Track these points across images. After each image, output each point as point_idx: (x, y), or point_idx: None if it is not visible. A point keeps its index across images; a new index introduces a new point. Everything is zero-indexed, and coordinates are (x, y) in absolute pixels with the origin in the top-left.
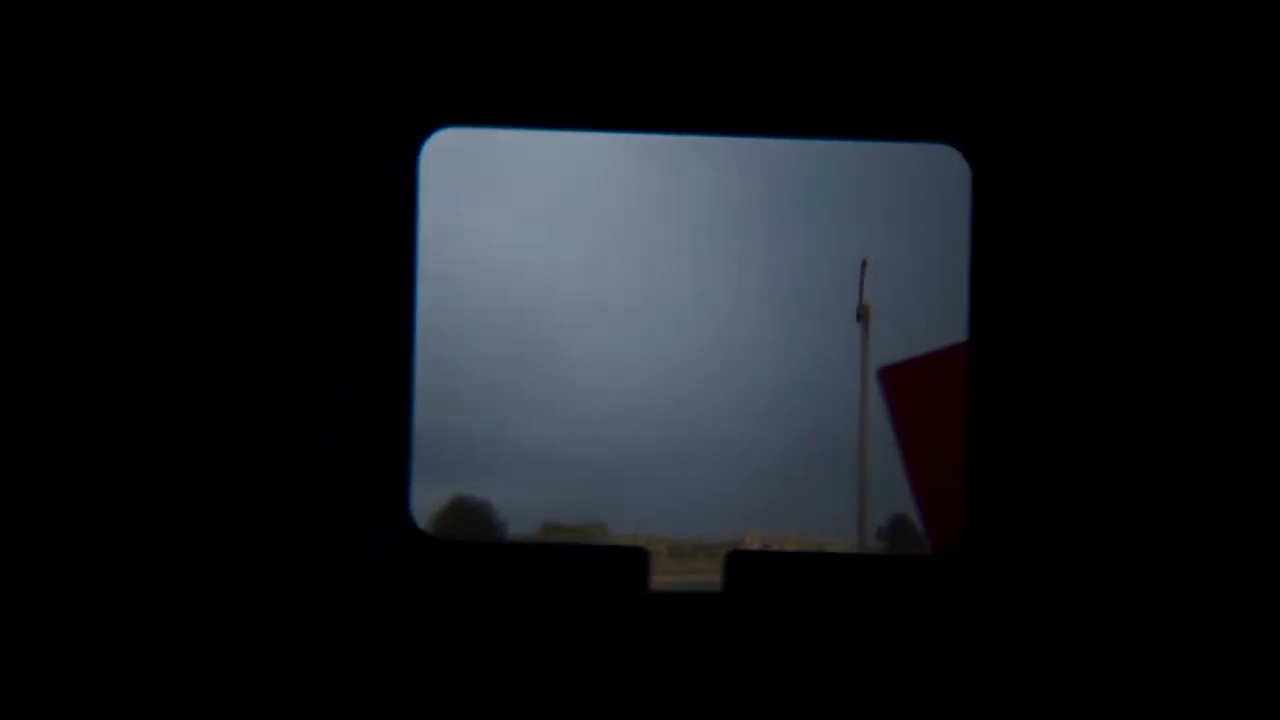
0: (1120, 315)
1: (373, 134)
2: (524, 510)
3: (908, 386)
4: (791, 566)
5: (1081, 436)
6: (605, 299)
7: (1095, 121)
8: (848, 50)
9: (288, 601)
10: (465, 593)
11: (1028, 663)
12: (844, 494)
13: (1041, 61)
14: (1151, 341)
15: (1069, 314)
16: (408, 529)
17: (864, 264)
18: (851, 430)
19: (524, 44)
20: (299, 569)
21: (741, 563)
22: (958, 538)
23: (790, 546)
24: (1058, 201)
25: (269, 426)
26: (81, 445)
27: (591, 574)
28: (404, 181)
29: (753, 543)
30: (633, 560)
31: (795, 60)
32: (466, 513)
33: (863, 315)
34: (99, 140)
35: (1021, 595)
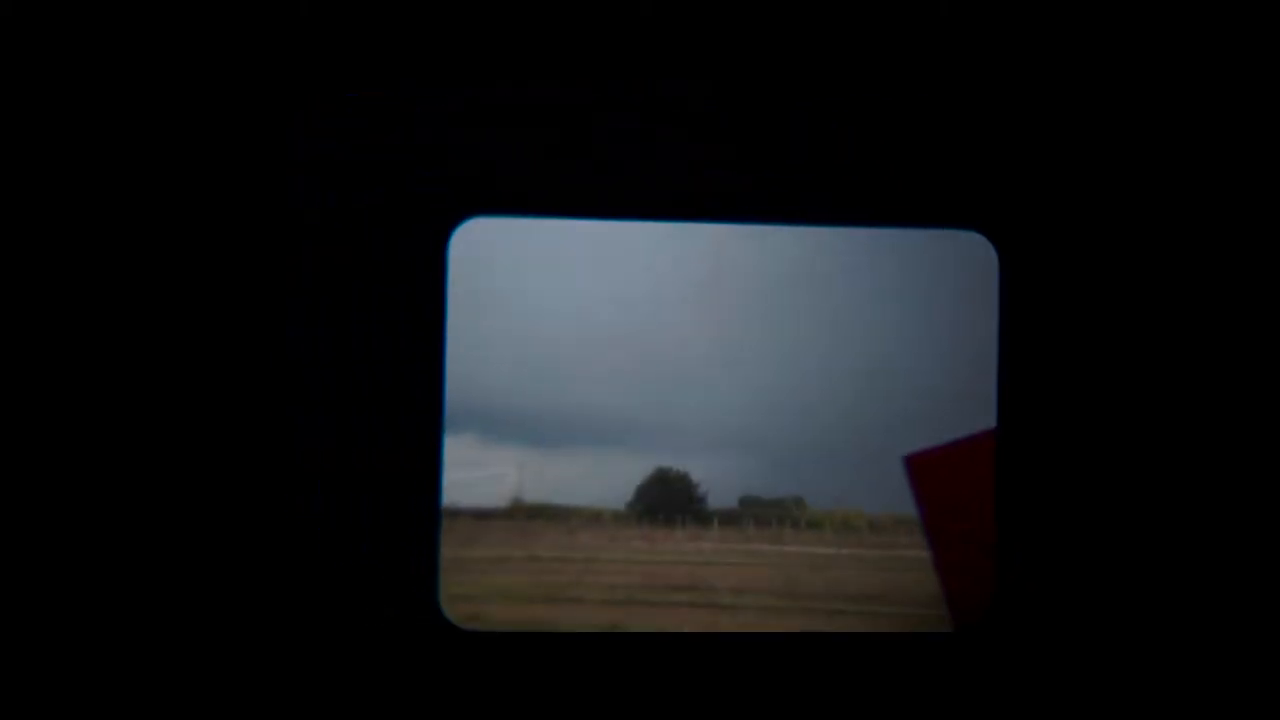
0: (1147, 400)
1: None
2: (723, 484)
3: (934, 473)
4: (800, 649)
5: (1110, 521)
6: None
7: (1122, 207)
8: (875, 137)
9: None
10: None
11: None
12: None
13: (1066, 146)
14: (1179, 427)
15: (1096, 399)
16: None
17: None
18: None
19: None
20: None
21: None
22: (980, 616)
23: None
24: (1085, 287)
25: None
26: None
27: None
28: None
29: None
30: None
31: (824, 151)
32: (668, 483)
33: None
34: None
35: (1043, 669)
